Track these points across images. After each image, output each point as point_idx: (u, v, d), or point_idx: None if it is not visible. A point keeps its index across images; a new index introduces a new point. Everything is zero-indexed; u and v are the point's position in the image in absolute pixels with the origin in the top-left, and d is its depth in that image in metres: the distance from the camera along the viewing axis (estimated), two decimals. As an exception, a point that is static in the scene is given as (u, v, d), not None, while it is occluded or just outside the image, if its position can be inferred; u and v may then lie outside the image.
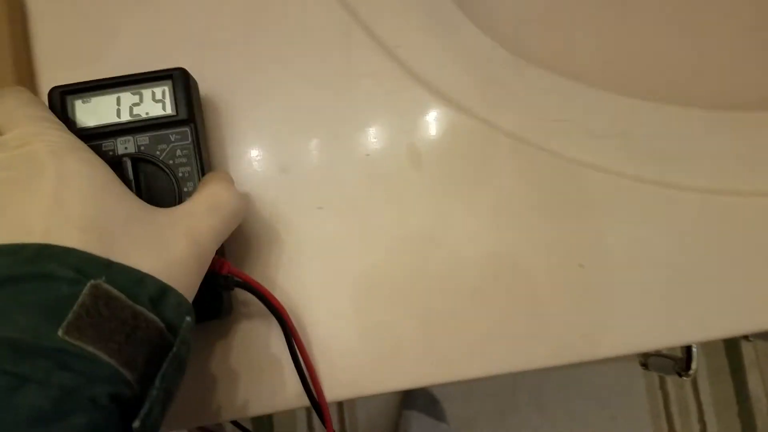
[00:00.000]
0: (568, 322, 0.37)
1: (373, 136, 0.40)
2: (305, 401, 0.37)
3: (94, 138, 0.36)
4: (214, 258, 0.34)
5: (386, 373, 0.37)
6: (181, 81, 0.36)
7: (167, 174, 0.36)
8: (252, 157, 0.40)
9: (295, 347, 0.35)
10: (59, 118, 0.35)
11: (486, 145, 0.40)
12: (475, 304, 0.38)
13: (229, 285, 0.34)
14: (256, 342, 0.37)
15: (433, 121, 0.40)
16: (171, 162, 0.36)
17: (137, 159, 0.36)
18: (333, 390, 0.37)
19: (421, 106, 0.40)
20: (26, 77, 0.38)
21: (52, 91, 0.36)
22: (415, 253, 0.38)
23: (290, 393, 0.37)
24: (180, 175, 0.36)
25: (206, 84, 0.39)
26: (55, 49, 0.40)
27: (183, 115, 0.36)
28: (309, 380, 0.36)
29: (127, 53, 0.40)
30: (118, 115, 0.36)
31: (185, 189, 0.36)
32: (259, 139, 0.40)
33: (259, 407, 0.37)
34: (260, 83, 0.40)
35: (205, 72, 0.39)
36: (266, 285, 0.35)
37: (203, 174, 0.36)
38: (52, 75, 0.39)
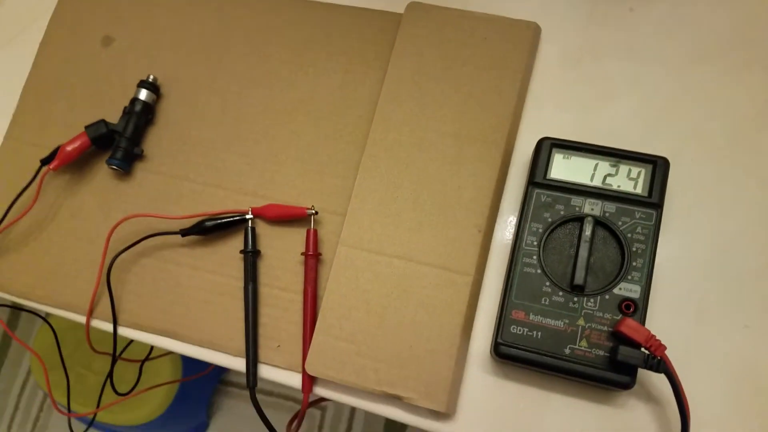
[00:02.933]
0: None
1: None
2: None
3: (566, 191, 0.40)
4: (650, 335, 0.35)
5: None
6: (662, 169, 0.39)
7: (621, 244, 0.38)
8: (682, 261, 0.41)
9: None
10: (538, 166, 0.40)
11: None
12: None
13: (657, 368, 0.35)
14: (644, 419, 0.37)
15: None
16: (629, 236, 0.39)
17: (599, 222, 0.39)
18: None
19: None
20: (516, 121, 0.44)
21: (543, 141, 0.42)
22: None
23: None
24: (633, 249, 0.38)
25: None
26: (546, 101, 0.46)
27: (655, 200, 0.39)
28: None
29: (609, 125, 0.44)
30: (591, 179, 0.41)
31: (633, 263, 0.38)
32: (708, 244, 0.41)
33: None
34: (728, 193, 0.42)
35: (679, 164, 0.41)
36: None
37: (653, 259, 0.38)
38: (535, 124, 0.45)
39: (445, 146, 0.44)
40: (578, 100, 0.45)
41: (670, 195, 0.40)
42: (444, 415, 0.39)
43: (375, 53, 0.48)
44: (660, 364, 0.35)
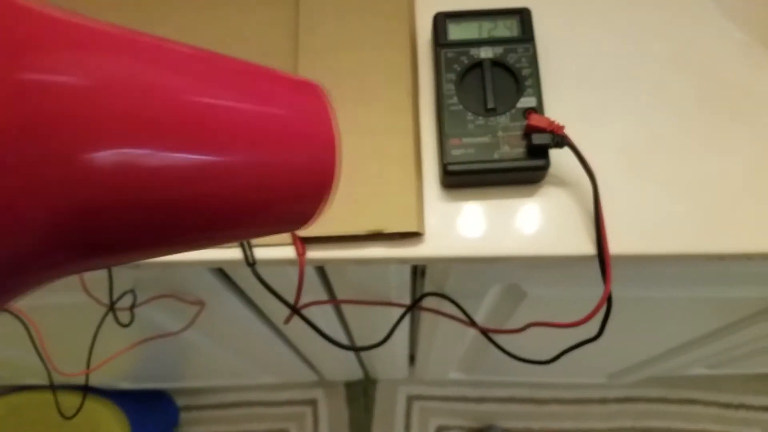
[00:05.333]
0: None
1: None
2: (592, 251, 0.47)
3: (464, 46, 0.51)
4: (551, 121, 0.47)
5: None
6: (527, 16, 0.52)
7: (513, 74, 0.50)
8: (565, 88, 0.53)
9: (599, 203, 0.47)
10: (439, 33, 0.51)
11: None
12: None
13: (561, 143, 0.47)
14: (566, 199, 0.49)
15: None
16: (518, 65, 0.50)
17: (494, 62, 0.51)
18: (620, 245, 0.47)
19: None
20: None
21: (437, 15, 0.53)
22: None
23: (580, 243, 0.48)
24: (523, 73, 0.50)
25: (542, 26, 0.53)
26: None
27: (528, 36, 0.51)
28: (602, 233, 0.47)
29: None
30: (479, 34, 0.52)
31: (526, 83, 0.50)
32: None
33: (553, 248, 0.48)
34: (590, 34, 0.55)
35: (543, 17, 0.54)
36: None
37: (539, 77, 0.50)
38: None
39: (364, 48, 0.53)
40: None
41: (538, 30, 0.53)
42: (417, 236, 0.48)
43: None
44: (563, 139, 0.47)
